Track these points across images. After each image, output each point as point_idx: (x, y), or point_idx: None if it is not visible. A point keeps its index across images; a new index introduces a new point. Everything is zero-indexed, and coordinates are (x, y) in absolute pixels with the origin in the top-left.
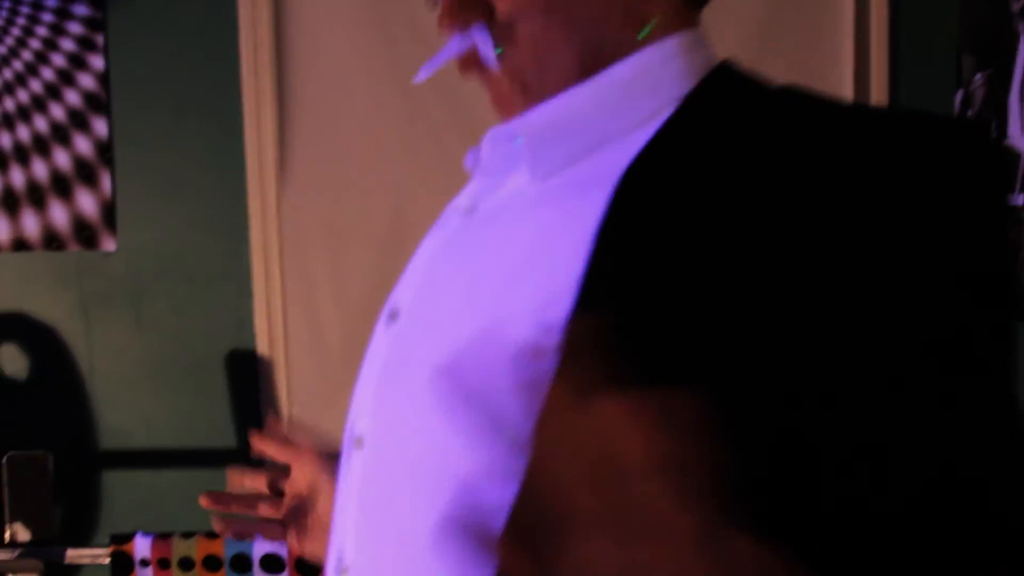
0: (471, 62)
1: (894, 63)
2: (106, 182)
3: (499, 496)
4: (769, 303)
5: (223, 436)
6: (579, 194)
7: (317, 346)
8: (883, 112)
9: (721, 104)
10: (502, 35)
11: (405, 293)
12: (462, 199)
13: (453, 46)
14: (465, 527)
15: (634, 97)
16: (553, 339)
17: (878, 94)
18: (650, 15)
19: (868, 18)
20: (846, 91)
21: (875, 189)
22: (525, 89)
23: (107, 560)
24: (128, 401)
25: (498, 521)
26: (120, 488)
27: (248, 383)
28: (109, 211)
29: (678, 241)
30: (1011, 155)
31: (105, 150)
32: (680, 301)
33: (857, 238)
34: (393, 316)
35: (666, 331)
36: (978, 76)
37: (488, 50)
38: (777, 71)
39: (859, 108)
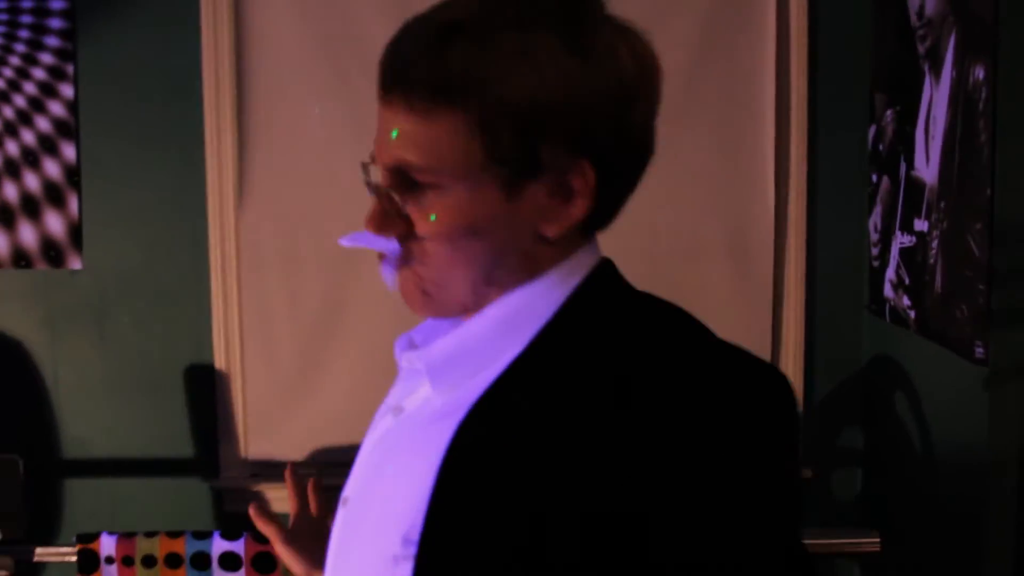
0: (385, 258)
1: (812, 102)
2: (73, 204)
3: None
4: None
5: (181, 446)
6: (440, 420)
7: (272, 362)
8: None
9: (565, 341)
10: (416, 249)
11: (352, 484)
12: (391, 400)
13: (370, 242)
14: None
15: (517, 327)
16: (411, 551)
17: (797, 131)
18: (540, 257)
19: (789, 59)
20: (768, 128)
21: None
22: (426, 295)
23: (74, 558)
24: (91, 412)
25: None
26: (82, 494)
27: (205, 396)
28: (76, 232)
29: (499, 475)
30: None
31: (73, 174)
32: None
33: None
34: (344, 503)
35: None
36: (889, 112)
37: (390, 273)
38: (705, 110)
39: (690, 345)
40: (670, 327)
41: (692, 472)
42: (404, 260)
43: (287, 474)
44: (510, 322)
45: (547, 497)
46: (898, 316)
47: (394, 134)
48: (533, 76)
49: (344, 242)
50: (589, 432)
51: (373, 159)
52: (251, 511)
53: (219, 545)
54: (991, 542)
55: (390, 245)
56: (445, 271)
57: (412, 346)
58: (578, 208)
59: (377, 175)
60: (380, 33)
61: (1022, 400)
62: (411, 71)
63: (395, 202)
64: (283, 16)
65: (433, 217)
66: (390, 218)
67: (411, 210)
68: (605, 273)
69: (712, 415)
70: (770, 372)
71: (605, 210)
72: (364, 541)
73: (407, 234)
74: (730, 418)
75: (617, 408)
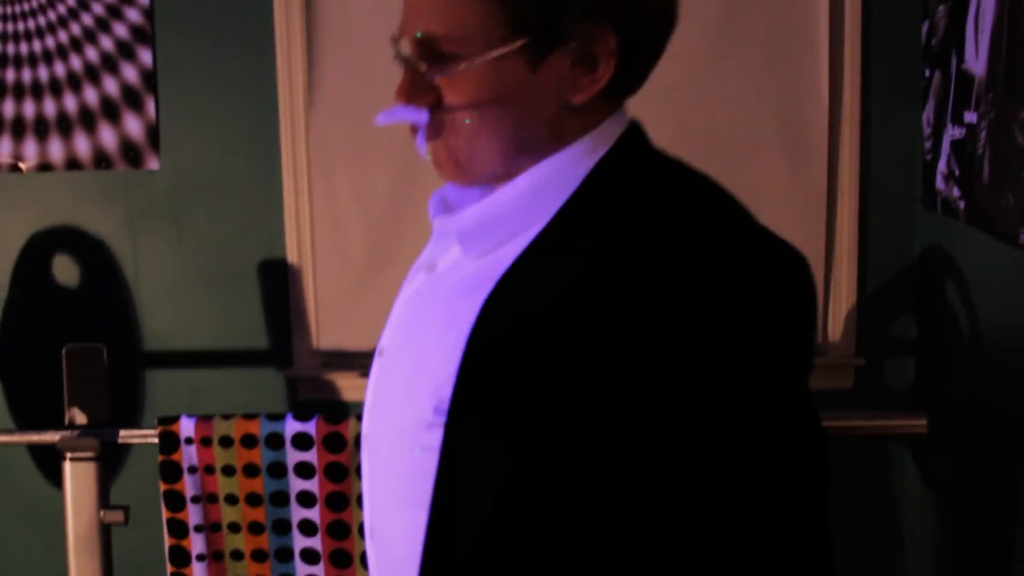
0: (417, 129)
1: (867, 1)
2: (151, 107)
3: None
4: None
5: (256, 338)
6: (471, 291)
7: (342, 255)
8: (736, 227)
9: (590, 212)
10: (446, 119)
11: (387, 335)
12: (424, 257)
13: (401, 113)
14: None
15: (546, 195)
16: (441, 420)
17: (851, 26)
18: (566, 126)
19: None
20: (822, 24)
21: (715, 305)
22: (458, 165)
23: (156, 439)
24: (170, 306)
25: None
26: (163, 386)
27: (279, 290)
28: (153, 133)
29: (524, 350)
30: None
31: (150, 78)
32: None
33: (691, 344)
34: (380, 353)
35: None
36: (941, 8)
37: (422, 143)
38: (760, 6)
39: (718, 223)
40: (694, 199)
41: (702, 347)
42: (435, 131)
43: None
44: (539, 191)
45: (571, 371)
46: (949, 208)
47: (417, 4)
48: None
49: (379, 119)
50: (611, 307)
51: (402, 32)
52: None
53: (292, 426)
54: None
55: (421, 116)
56: (474, 141)
57: (445, 205)
58: (602, 76)
59: (406, 47)
60: None
61: None
62: None
63: (423, 73)
64: None
65: (460, 89)
66: (419, 89)
67: (440, 81)
68: (632, 141)
69: (726, 292)
70: (790, 253)
71: (629, 78)
72: (399, 401)
73: (436, 104)
74: (743, 295)
75: (638, 283)
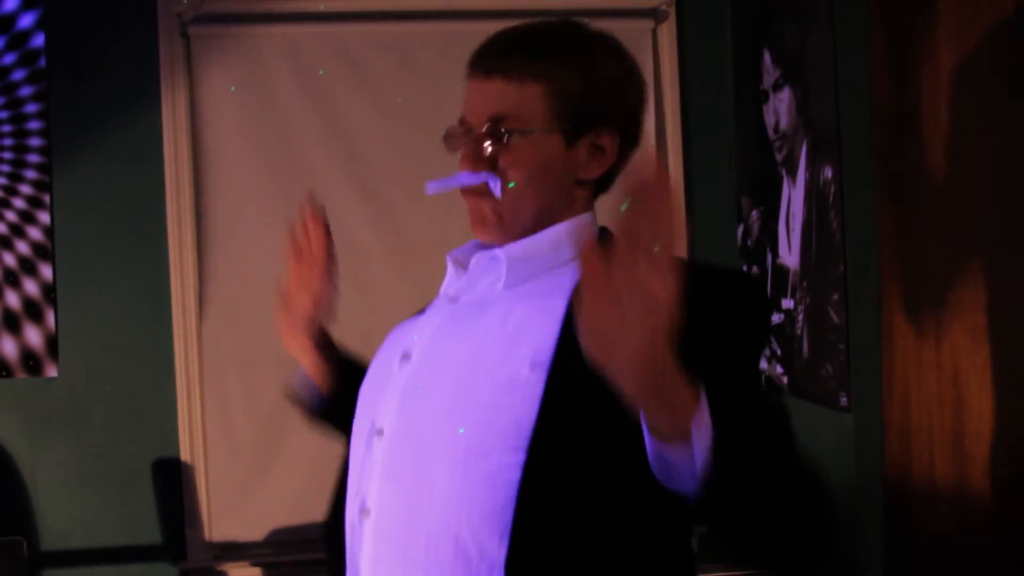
0: (471, 191)
1: (689, 208)
2: (50, 318)
3: (498, 463)
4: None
5: (151, 533)
6: (546, 298)
7: (232, 453)
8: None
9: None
10: (496, 184)
11: (414, 346)
12: (448, 291)
13: (464, 178)
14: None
15: (567, 244)
16: (543, 370)
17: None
18: (577, 198)
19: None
20: None
21: (714, 301)
22: (500, 219)
23: None
24: (67, 506)
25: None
26: None
27: (172, 486)
28: (52, 343)
29: None
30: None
31: (50, 291)
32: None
33: (710, 320)
34: (406, 357)
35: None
36: (754, 212)
37: (497, 190)
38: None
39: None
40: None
41: (732, 329)
42: (486, 193)
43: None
44: (562, 242)
45: None
46: (773, 384)
47: (488, 96)
48: (590, 71)
49: (433, 187)
50: None
51: (471, 116)
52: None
53: None
54: (864, 555)
55: (474, 179)
56: (517, 200)
57: (459, 261)
58: (607, 159)
59: (478, 125)
60: (320, 156)
61: (878, 435)
62: (512, 56)
63: (482, 147)
64: (235, 148)
65: (514, 156)
66: (480, 159)
67: (500, 153)
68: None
69: (743, 301)
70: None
71: (613, 172)
72: (445, 383)
73: (491, 171)
74: (746, 299)
75: None
